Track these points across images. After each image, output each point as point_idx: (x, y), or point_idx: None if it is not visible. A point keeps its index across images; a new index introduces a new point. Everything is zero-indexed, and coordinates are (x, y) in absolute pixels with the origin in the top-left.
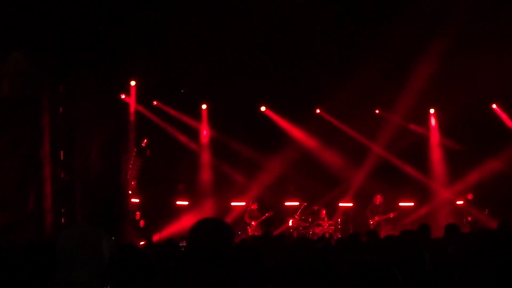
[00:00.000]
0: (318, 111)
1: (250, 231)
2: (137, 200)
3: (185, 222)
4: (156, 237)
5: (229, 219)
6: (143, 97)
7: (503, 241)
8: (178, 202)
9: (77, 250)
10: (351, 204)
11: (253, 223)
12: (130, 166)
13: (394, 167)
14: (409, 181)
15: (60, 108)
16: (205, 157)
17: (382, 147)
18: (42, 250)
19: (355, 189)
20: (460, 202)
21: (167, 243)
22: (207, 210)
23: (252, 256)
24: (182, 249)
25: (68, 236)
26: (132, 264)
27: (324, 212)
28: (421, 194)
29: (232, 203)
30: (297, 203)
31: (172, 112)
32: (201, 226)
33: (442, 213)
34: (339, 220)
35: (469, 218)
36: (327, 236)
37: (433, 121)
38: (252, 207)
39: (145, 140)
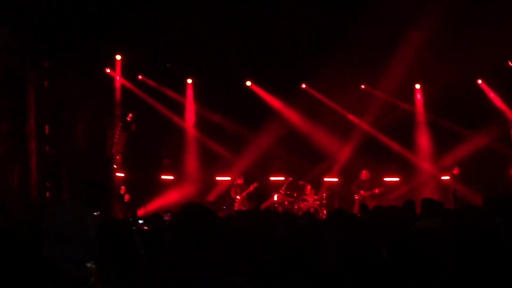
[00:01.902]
0: (303, 86)
1: (236, 205)
2: (122, 175)
3: (170, 197)
4: (141, 212)
5: (214, 193)
6: (128, 71)
7: (486, 217)
8: (163, 177)
9: (63, 227)
10: (336, 179)
11: (238, 197)
12: (115, 141)
13: (379, 143)
14: (395, 156)
15: (45, 82)
16: (190, 132)
17: (368, 122)
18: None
19: (340, 164)
20: (445, 178)
21: (152, 217)
22: (192, 185)
23: (236, 239)
24: (166, 223)
25: (54, 213)
26: (117, 240)
27: (309, 187)
28: (407, 169)
29: (218, 178)
30: (282, 178)
31: (158, 86)
32: (184, 213)
33: (428, 189)
34: (324, 195)
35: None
36: (312, 211)
37: (418, 96)
38: (238, 182)
39: (130, 115)
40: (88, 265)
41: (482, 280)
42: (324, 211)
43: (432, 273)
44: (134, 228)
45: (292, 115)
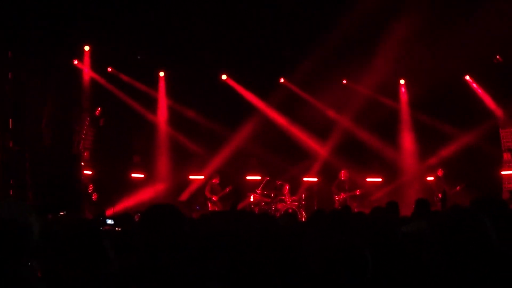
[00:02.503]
0: (282, 80)
1: (210, 206)
2: (90, 172)
3: (141, 196)
4: (109, 212)
5: (187, 193)
6: (97, 63)
7: (475, 219)
8: (133, 175)
9: (3, 225)
10: (315, 179)
11: (214, 198)
12: (83, 136)
13: (361, 141)
14: (377, 156)
15: (9, 73)
16: (163, 128)
17: (349, 119)
18: None
19: (320, 163)
20: (430, 178)
21: (122, 218)
22: (164, 183)
23: (210, 241)
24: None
25: None
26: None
27: (287, 187)
28: (390, 169)
29: (191, 177)
30: (259, 178)
31: (128, 79)
32: (151, 213)
33: (412, 190)
34: (303, 195)
35: (440, 195)
36: (290, 212)
37: (403, 92)
38: (213, 181)
39: (99, 109)
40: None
41: (472, 284)
42: (303, 212)
43: (418, 277)
44: (102, 229)
45: (269, 111)
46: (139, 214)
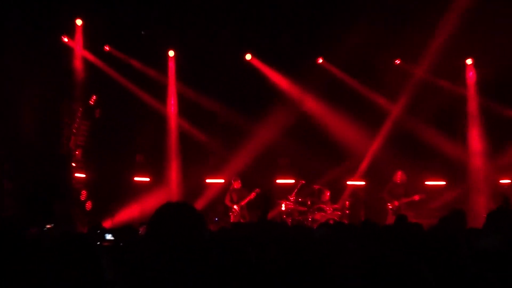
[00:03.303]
0: (320, 61)
1: (232, 217)
2: (83, 176)
3: (146, 204)
4: (107, 224)
5: (203, 201)
6: (91, 41)
7: None
8: (137, 178)
9: None
10: (363, 183)
11: (235, 206)
12: (74, 131)
13: (419, 136)
14: (439, 154)
15: None
16: (173, 120)
17: (404, 109)
18: None
19: (368, 164)
20: (505, 181)
21: (123, 231)
22: (174, 188)
23: (231, 250)
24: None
25: None
26: (78, 260)
27: (327, 193)
28: (454, 170)
29: (208, 181)
30: (292, 181)
31: (130, 60)
32: (163, 213)
33: (482, 196)
34: (347, 203)
35: None
36: (331, 223)
37: (470, 76)
38: (234, 186)
39: (94, 98)
40: None
41: None
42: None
43: None
44: (99, 245)
45: (304, 99)
46: (144, 226)
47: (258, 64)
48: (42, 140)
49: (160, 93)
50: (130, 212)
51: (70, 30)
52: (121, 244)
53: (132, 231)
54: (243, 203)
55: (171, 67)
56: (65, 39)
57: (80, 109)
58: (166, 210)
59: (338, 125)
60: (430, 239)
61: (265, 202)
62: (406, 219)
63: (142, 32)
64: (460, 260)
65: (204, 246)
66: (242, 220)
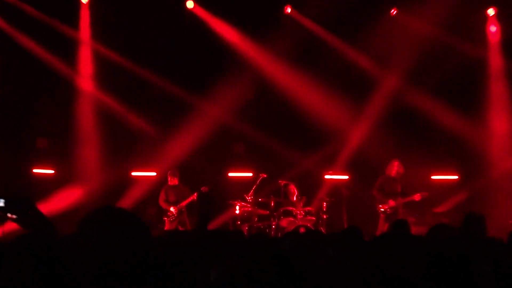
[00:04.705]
0: (288, 10)
1: (167, 223)
2: None
3: (49, 206)
4: None
5: (126, 201)
6: None
7: None
8: (37, 171)
9: None
10: (345, 177)
11: (172, 209)
12: None
13: (423, 114)
14: (449, 139)
15: None
16: (86, 90)
17: (402, 77)
18: None
19: (352, 151)
20: None
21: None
22: (88, 184)
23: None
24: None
25: None
26: None
27: (294, 191)
28: (470, 162)
29: (134, 173)
30: (249, 175)
31: (26, 7)
32: (92, 225)
33: (506, 197)
34: (324, 204)
35: None
36: (302, 232)
37: (492, 32)
38: (170, 183)
39: None
40: None
41: None
42: (324, 233)
43: None
44: None
45: (266, 61)
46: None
47: (204, 15)
48: None
49: (70, 54)
50: None
51: None
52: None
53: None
54: (182, 204)
55: (85, 16)
56: None
57: None
58: (99, 219)
59: (312, 99)
60: (436, 256)
61: (206, 203)
62: (406, 227)
63: None
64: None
65: (148, 269)
66: (180, 228)
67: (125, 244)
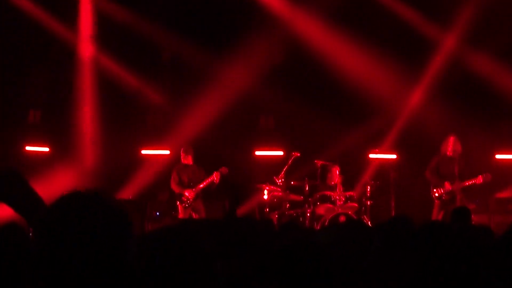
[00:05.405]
0: None
1: (181, 210)
2: None
3: (44, 188)
4: None
5: (135, 185)
6: None
7: None
8: (29, 148)
9: None
10: (393, 157)
11: (186, 193)
12: None
13: (486, 81)
14: None
15: None
16: (87, 57)
17: (460, 36)
18: None
19: (402, 126)
20: None
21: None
22: (88, 165)
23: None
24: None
25: None
26: None
27: (337, 172)
28: None
29: (144, 151)
30: (280, 153)
31: None
32: (61, 212)
33: None
34: (368, 188)
35: None
36: (342, 221)
37: None
38: (184, 161)
39: None
40: None
41: None
42: (369, 222)
43: None
44: None
45: (301, 17)
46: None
47: None
48: None
49: (67, 12)
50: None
51: None
52: None
53: (18, 232)
54: (200, 186)
55: None
56: None
57: None
58: (67, 206)
59: (355, 64)
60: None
61: (233, 191)
62: (468, 216)
63: None
64: None
65: (128, 268)
66: (194, 215)
67: (93, 244)
